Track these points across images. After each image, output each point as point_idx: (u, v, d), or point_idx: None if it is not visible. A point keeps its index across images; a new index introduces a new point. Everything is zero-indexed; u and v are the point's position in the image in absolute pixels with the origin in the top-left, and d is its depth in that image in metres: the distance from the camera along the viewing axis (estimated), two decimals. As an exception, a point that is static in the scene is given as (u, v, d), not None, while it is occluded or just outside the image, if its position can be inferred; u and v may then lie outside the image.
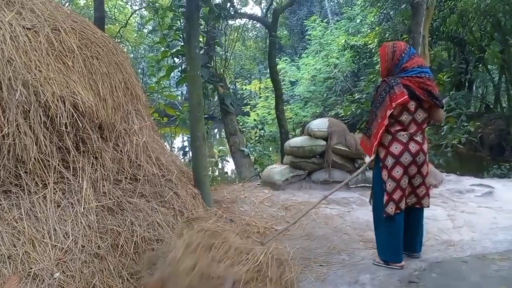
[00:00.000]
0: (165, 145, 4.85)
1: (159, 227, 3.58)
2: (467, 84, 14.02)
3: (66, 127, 3.11)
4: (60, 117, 3.07)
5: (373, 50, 13.93)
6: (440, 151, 10.58)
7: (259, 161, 8.21)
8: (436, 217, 4.44)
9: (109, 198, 3.35)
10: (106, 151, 3.43)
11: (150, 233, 3.47)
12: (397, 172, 3.15)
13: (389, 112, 3.03)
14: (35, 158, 3.01)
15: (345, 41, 15.53)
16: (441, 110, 3.22)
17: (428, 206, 3.38)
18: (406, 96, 3.00)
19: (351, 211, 4.74)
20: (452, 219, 4.39)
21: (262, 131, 10.44)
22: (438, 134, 11.06)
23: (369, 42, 14.00)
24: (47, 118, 3.06)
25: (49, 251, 2.90)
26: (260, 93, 19.35)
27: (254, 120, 13.02)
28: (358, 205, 4.94)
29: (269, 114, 15.48)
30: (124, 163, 3.56)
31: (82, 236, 3.05)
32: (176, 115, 7.86)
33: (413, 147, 3.12)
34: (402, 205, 3.20)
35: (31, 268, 2.77)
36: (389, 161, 3.16)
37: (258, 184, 5.96)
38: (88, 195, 3.22)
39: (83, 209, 3.15)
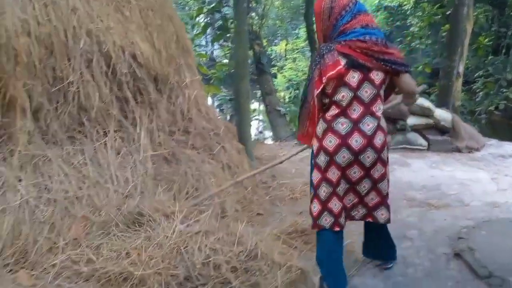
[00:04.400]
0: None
1: (208, 179, 3.69)
2: (505, 49, 13.49)
3: (125, 77, 3.18)
4: (120, 66, 3.13)
5: (407, 12, 13.44)
6: (473, 118, 10.38)
7: (294, 121, 8.22)
8: (479, 180, 4.44)
9: (164, 148, 3.45)
10: (161, 102, 3.51)
11: (200, 183, 3.59)
12: (333, 174, 2.27)
13: (316, 92, 2.19)
14: (97, 106, 3.10)
15: (379, 1, 14.99)
16: (408, 76, 2.29)
17: (386, 222, 2.45)
18: (341, 66, 2.13)
19: (393, 172, 4.75)
20: (496, 182, 4.37)
21: (297, 91, 10.31)
22: (473, 100, 10.83)
23: (404, 2, 13.47)
24: (108, 67, 3.13)
25: (112, 195, 3.05)
26: (286, 55, 19.05)
27: (288, 80, 12.77)
28: (399, 165, 4.96)
29: (297, 76, 15.31)
30: (177, 116, 3.65)
31: (141, 182, 3.18)
32: (210, 74, 7.88)
33: (356, 141, 2.20)
34: (342, 220, 2.33)
35: (95, 210, 2.93)
36: (322, 158, 2.27)
37: (295, 143, 6.01)
38: (145, 144, 3.33)
39: (141, 157, 3.27)
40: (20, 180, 2.78)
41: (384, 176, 2.33)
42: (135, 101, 3.33)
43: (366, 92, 2.19)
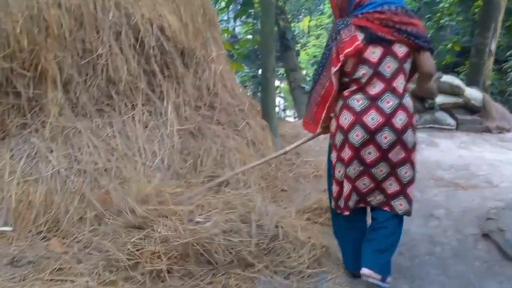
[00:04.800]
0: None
1: (232, 155, 3.70)
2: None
3: (153, 50, 3.17)
4: (148, 39, 3.13)
5: (437, -13, 12.94)
6: (503, 98, 10.05)
7: (318, 98, 8.07)
8: (509, 161, 4.33)
9: (190, 123, 3.46)
10: (187, 77, 3.50)
11: (224, 158, 3.60)
12: (345, 153, 2.08)
13: (334, 70, 2.01)
14: (125, 80, 3.12)
15: (407, -24, 14.47)
16: (428, 55, 2.06)
17: (405, 214, 2.14)
18: (359, 42, 1.97)
19: (420, 151, 4.68)
20: (528, 163, 4.26)
21: (322, 68, 10.04)
22: (504, 80, 10.46)
23: (434, -23, 12.96)
24: (136, 40, 3.13)
25: (139, 167, 3.09)
26: (309, 32, 18.70)
27: (313, 56, 12.50)
28: (427, 145, 4.88)
29: (320, 53, 15.05)
30: (202, 90, 3.64)
31: (168, 156, 3.21)
32: (233, 50, 7.82)
33: (372, 118, 1.98)
34: (351, 203, 2.15)
35: (124, 182, 2.98)
36: (338, 137, 2.10)
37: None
38: (172, 119, 3.35)
39: (168, 131, 3.29)
40: (51, 151, 2.85)
41: (404, 161, 2.04)
42: (162, 75, 3.34)
43: (388, 67, 1.98)
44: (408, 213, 2.14)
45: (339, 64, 2.00)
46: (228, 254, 2.27)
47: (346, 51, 1.97)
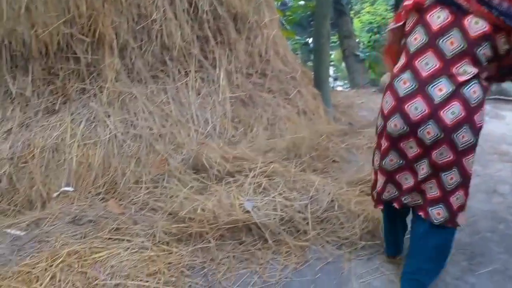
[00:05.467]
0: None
1: (283, 123, 3.65)
2: None
3: (206, 15, 3.13)
4: (202, 4, 3.08)
5: None
6: None
7: (373, 67, 7.77)
8: None
9: (242, 91, 3.43)
10: (240, 43, 3.45)
11: (275, 127, 3.56)
12: (383, 143, 1.76)
13: (392, 25, 1.76)
14: (179, 45, 3.12)
15: None
16: None
17: (440, 224, 1.72)
18: None
19: (484, 124, 4.40)
20: None
21: (378, 35, 9.56)
22: None
23: None
24: (189, 5, 3.10)
25: (192, 134, 3.12)
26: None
27: (369, 22, 11.91)
28: (491, 117, 4.56)
29: (375, 21, 14.37)
30: (254, 57, 3.58)
31: (219, 123, 3.21)
32: (284, 17, 7.61)
33: (415, 108, 1.59)
34: (386, 195, 1.87)
35: (177, 148, 3.03)
36: (379, 121, 1.80)
37: (374, 91, 5.73)
38: (224, 86, 3.33)
39: (220, 98, 3.29)
40: (108, 116, 2.93)
41: (450, 165, 1.62)
42: (215, 41, 3.31)
43: (451, 44, 1.53)
44: (444, 223, 1.72)
45: (401, 22, 1.70)
46: (282, 224, 2.26)
47: (406, 3, 1.66)
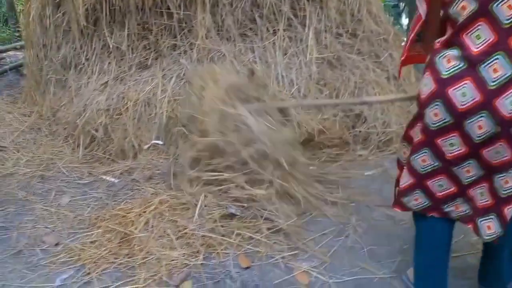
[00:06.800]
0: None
1: (371, 88, 3.47)
2: None
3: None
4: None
5: None
6: None
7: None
8: None
9: (330, 52, 3.29)
10: (332, 0, 3.27)
11: (362, 91, 3.39)
12: (416, 135, 1.38)
13: None
14: (269, 2, 3.03)
15: None
16: None
17: (490, 241, 1.37)
18: None
19: None
20: None
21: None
22: None
23: None
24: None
25: (277, 95, 3.07)
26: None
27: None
28: None
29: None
30: (346, 16, 3.40)
31: (304, 85, 3.13)
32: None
33: (462, 93, 1.21)
34: (409, 203, 1.47)
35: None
36: (417, 108, 1.38)
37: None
38: (311, 46, 3.21)
39: (307, 59, 3.18)
40: (197, 73, 2.97)
41: (507, 166, 1.27)
42: (306, -2, 3.17)
43: (510, 8, 1.13)
44: (495, 240, 1.36)
45: None
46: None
47: None
